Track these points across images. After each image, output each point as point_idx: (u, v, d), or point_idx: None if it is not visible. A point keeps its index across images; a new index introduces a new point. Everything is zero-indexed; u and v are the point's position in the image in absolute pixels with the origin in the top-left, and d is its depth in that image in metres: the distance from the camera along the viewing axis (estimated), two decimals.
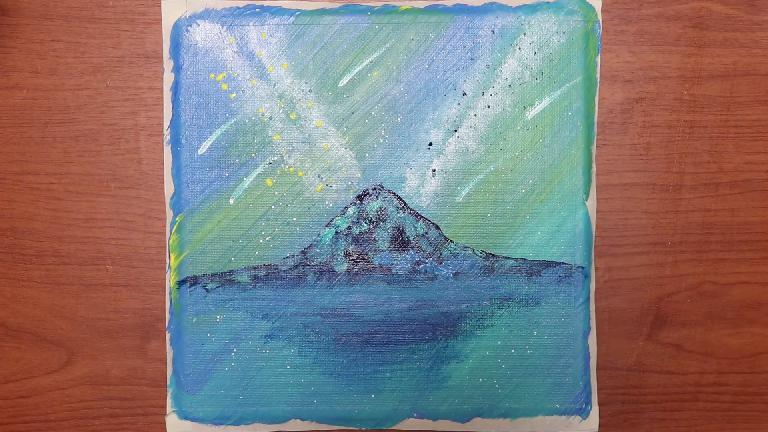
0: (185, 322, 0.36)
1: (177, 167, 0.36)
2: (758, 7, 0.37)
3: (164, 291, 0.37)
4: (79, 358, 0.37)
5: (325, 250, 0.36)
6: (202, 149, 0.36)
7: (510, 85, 0.36)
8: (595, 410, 0.36)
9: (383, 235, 0.36)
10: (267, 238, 0.36)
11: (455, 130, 0.36)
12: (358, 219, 0.36)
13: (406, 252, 0.36)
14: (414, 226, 0.36)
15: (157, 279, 0.37)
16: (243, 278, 0.36)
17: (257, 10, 0.36)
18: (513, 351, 0.36)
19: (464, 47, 0.36)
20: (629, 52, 0.37)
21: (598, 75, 0.36)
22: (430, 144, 0.36)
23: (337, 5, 0.36)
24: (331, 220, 0.36)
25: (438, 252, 0.36)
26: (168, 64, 0.36)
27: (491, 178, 0.36)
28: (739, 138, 0.37)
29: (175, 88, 0.36)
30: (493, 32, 0.36)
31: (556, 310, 0.36)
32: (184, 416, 0.36)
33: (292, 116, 0.36)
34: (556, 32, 0.36)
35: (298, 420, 0.36)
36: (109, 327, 0.37)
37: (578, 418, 0.36)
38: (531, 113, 0.36)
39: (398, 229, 0.36)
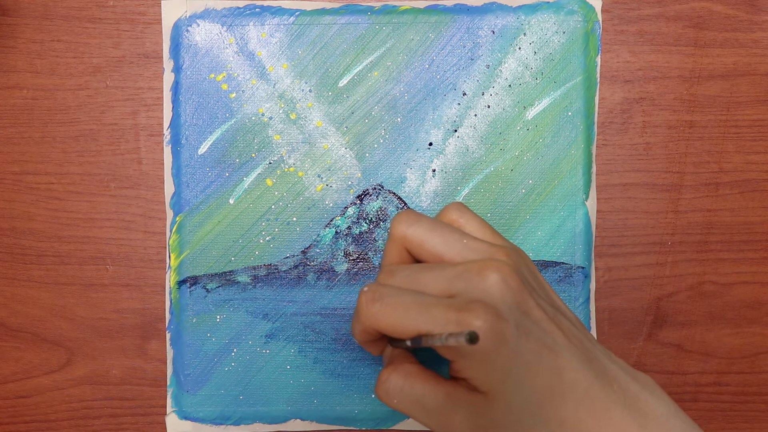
0: (185, 322, 0.36)
1: (177, 167, 0.36)
2: (758, 7, 0.37)
3: (164, 291, 0.37)
4: (79, 358, 0.37)
5: (325, 250, 0.36)
6: (202, 149, 0.36)
7: (510, 85, 0.36)
8: None
9: (383, 235, 0.36)
10: (267, 238, 0.36)
11: (455, 130, 0.36)
12: (358, 219, 0.36)
13: None
14: None
15: (157, 279, 0.37)
16: (243, 278, 0.36)
17: (257, 10, 0.36)
18: None
19: (464, 47, 0.36)
20: (629, 52, 0.37)
21: (598, 75, 0.36)
22: (430, 144, 0.36)
23: (337, 5, 0.36)
24: (331, 220, 0.36)
25: None
26: (168, 64, 0.36)
27: (491, 178, 0.36)
28: (739, 138, 0.37)
29: (175, 88, 0.36)
30: (493, 32, 0.36)
31: None
32: (184, 416, 0.36)
33: (292, 116, 0.36)
34: (556, 32, 0.36)
35: (298, 420, 0.36)
36: (109, 327, 0.37)
37: None
38: (531, 113, 0.36)
39: None
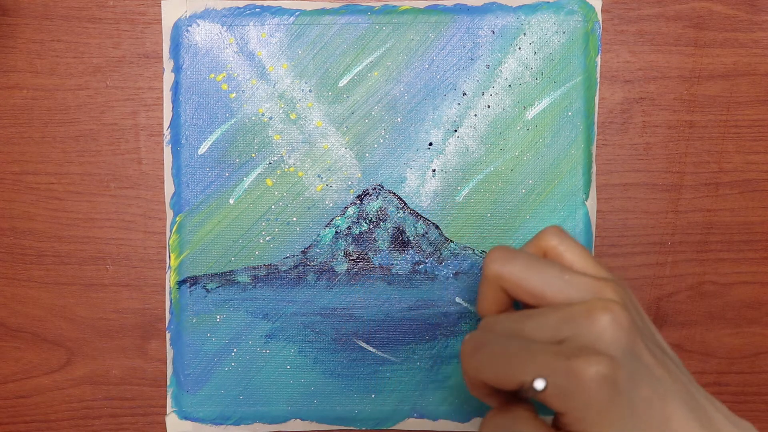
0: (185, 322, 0.36)
1: (177, 167, 0.36)
2: (758, 7, 0.37)
3: (164, 291, 0.37)
4: (79, 358, 0.37)
5: (325, 250, 0.36)
6: (202, 149, 0.36)
7: (510, 85, 0.36)
8: None
9: (383, 235, 0.36)
10: (267, 238, 0.36)
11: (455, 130, 0.36)
12: (358, 219, 0.36)
13: (406, 252, 0.36)
14: (414, 226, 0.36)
15: (157, 279, 0.37)
16: (243, 278, 0.36)
17: (257, 10, 0.36)
18: None
19: (464, 47, 0.36)
20: (629, 52, 0.37)
21: (598, 75, 0.36)
22: (430, 144, 0.36)
23: (337, 5, 0.36)
24: (331, 220, 0.36)
25: (438, 252, 0.36)
26: (168, 64, 0.36)
27: (491, 178, 0.36)
28: (739, 138, 0.37)
29: (175, 88, 0.36)
30: (493, 32, 0.36)
31: None
32: (184, 416, 0.36)
33: (292, 116, 0.36)
34: (556, 32, 0.36)
35: (298, 420, 0.36)
36: (109, 327, 0.37)
37: None
38: (531, 113, 0.36)
39: (398, 229, 0.36)
